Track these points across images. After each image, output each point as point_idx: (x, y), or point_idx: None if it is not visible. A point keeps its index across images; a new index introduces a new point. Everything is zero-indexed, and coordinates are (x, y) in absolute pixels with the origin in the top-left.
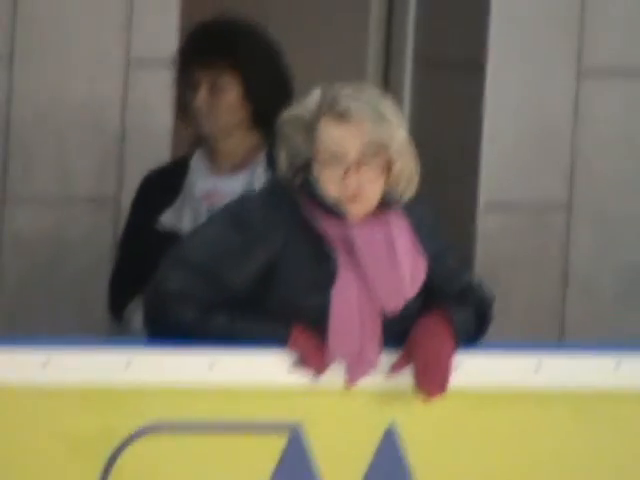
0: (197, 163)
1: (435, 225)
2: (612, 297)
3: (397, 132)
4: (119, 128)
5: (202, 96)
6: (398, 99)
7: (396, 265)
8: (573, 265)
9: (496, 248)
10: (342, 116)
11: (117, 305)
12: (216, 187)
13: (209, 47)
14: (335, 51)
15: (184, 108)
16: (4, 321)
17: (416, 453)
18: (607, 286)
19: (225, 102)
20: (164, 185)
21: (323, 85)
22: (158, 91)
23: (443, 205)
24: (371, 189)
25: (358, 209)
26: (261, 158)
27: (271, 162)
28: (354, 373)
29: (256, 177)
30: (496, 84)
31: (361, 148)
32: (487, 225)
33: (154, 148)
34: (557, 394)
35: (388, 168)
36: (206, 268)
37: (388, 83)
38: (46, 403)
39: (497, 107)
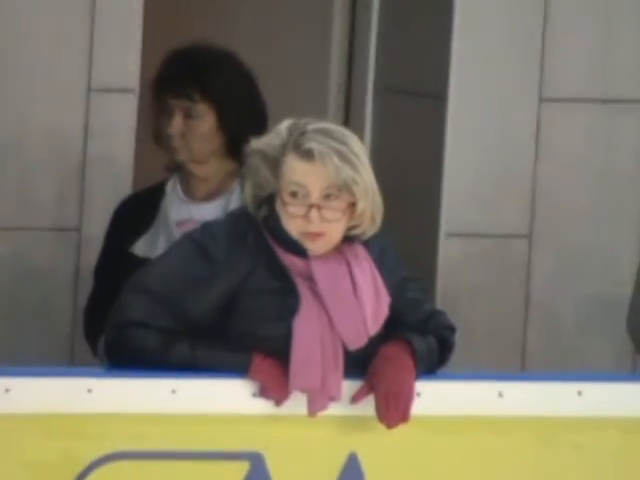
0: (172, 190)
1: (397, 255)
2: (573, 326)
3: (361, 173)
4: (81, 157)
5: (176, 124)
6: (360, 127)
7: (358, 304)
8: (534, 294)
9: (457, 277)
10: (307, 155)
11: (92, 334)
12: (191, 214)
13: (182, 75)
14: (297, 79)
15: (159, 135)
16: None
17: None
18: (568, 315)
19: (199, 130)
20: (139, 212)
21: (290, 120)
22: (120, 120)
23: (404, 234)
24: (333, 228)
25: (319, 247)
26: (236, 185)
27: None
28: (315, 405)
29: (232, 204)
30: (458, 113)
31: (324, 188)
32: (448, 254)
33: (116, 177)
34: (519, 421)
35: (351, 207)
36: (168, 297)
37: (349, 111)
38: (8, 430)
39: (459, 136)
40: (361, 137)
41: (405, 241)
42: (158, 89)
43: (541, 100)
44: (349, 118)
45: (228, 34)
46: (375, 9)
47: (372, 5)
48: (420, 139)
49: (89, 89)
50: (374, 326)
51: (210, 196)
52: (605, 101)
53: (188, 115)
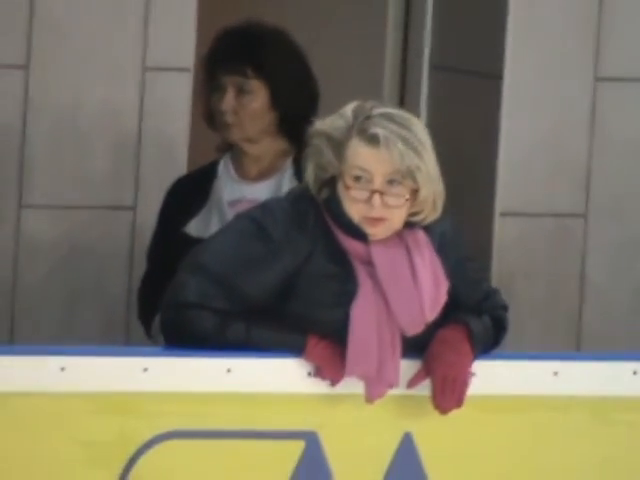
0: (224, 170)
1: (456, 237)
2: (629, 306)
3: (425, 160)
4: (136, 136)
5: (229, 101)
6: (415, 106)
7: (417, 290)
8: (590, 274)
9: (512, 257)
10: (372, 140)
11: (146, 316)
12: (243, 194)
13: (236, 52)
14: (352, 58)
15: (211, 113)
16: (21, 325)
17: (433, 460)
18: (624, 295)
19: (252, 107)
20: (191, 192)
21: (355, 103)
22: (175, 98)
23: (459, 214)
24: (395, 214)
25: (379, 232)
26: (288, 164)
27: (299, 169)
28: (373, 392)
29: (284, 184)
30: (513, 92)
31: (388, 174)
32: (503, 234)
33: (171, 156)
34: (575, 400)
35: (414, 194)
36: (225, 277)
37: (405, 90)
38: (63, 409)
39: (514, 115)
40: (416, 115)
41: (460, 220)
42: (210, 66)
43: (597, 79)
44: (404, 96)
45: (282, 13)
46: None
47: None
48: (475, 118)
49: (144, 67)
50: (432, 313)
51: (262, 175)
52: None
53: (241, 91)
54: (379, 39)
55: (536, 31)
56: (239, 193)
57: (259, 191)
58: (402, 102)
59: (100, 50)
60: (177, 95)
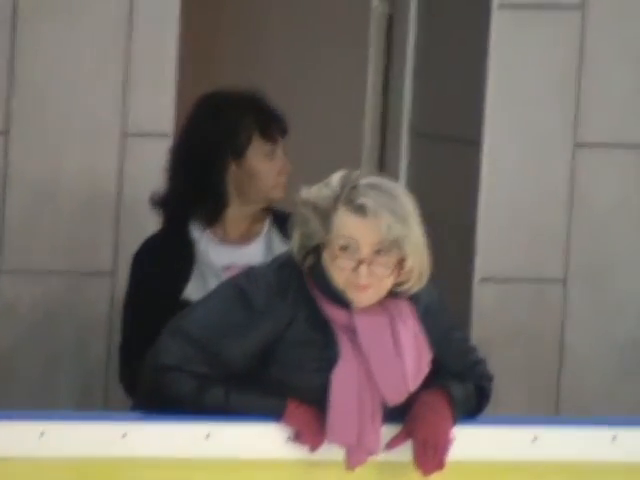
0: (199, 234)
1: (442, 306)
2: (607, 371)
3: (412, 231)
4: (115, 201)
5: (286, 161)
6: (394, 172)
7: (400, 360)
8: (568, 339)
9: (491, 322)
10: (359, 210)
11: (131, 380)
12: (232, 259)
13: (279, 114)
14: (332, 124)
15: (220, 183)
16: None
17: None
18: (602, 360)
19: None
20: (167, 255)
21: (341, 172)
22: (154, 164)
23: (438, 279)
24: (381, 284)
25: (364, 299)
26: (266, 225)
27: (283, 230)
28: (353, 460)
29: (274, 245)
30: (492, 159)
31: (375, 244)
32: (483, 300)
33: (150, 221)
34: (554, 466)
35: (400, 263)
36: (206, 342)
37: (384, 156)
38: (42, 474)
39: (493, 182)
40: (395, 181)
41: (439, 286)
42: (263, 129)
43: (576, 145)
44: (383, 163)
45: (263, 78)
46: (410, 54)
47: (406, 50)
48: (454, 184)
49: (124, 133)
50: (414, 383)
51: (245, 238)
52: None
53: (284, 152)
54: (359, 105)
55: (515, 97)
56: (227, 258)
57: (250, 255)
58: (381, 168)
59: (80, 116)
60: (157, 160)
